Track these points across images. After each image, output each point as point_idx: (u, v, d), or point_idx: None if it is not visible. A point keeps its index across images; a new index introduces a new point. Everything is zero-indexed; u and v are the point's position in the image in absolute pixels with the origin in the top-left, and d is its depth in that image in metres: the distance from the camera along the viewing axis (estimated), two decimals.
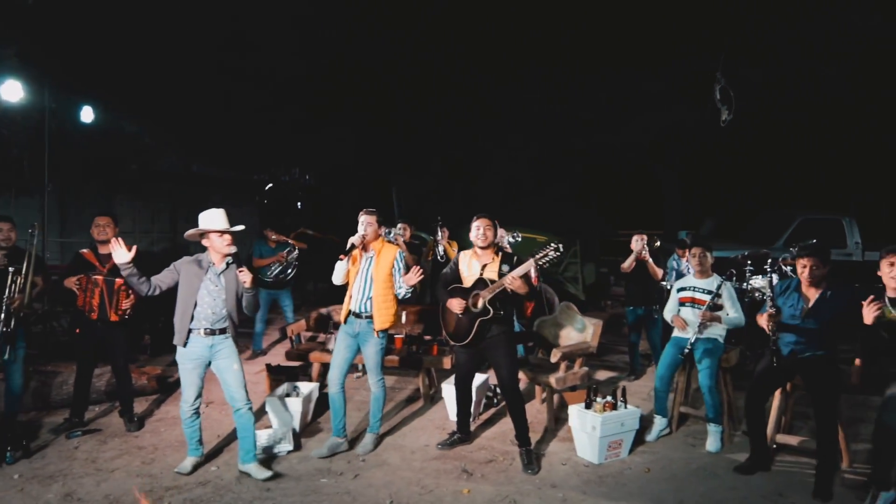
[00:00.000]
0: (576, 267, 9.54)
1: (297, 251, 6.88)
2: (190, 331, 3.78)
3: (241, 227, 3.90)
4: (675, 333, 4.64)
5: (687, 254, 7.93)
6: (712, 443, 4.34)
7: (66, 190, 11.16)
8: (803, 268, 3.76)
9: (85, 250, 4.75)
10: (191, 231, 3.89)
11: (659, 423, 4.56)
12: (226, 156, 12.19)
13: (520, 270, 3.86)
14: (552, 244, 3.84)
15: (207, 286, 3.78)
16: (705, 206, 11.10)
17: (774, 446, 4.11)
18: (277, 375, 5.64)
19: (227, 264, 3.83)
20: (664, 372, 4.53)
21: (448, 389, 4.85)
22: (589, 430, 4.08)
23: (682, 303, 4.63)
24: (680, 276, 8.04)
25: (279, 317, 8.02)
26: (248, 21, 11.02)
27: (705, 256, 4.52)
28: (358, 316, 4.21)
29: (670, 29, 8.79)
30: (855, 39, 8.42)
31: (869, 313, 3.25)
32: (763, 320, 3.88)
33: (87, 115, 7.15)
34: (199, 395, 3.87)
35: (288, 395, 4.80)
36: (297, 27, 11.27)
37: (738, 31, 8.57)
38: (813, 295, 3.80)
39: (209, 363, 3.84)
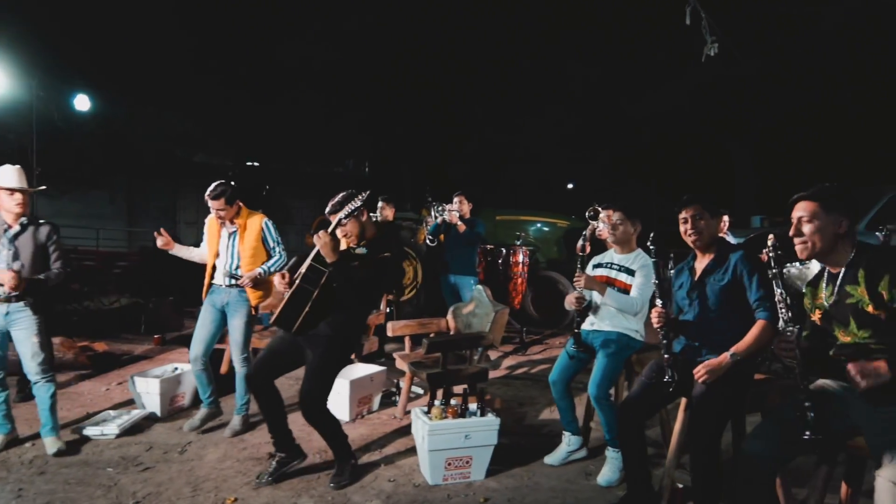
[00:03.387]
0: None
1: None
2: None
3: (40, 188, 3.66)
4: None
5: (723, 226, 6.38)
6: (605, 473, 3.20)
7: (132, 183, 12.13)
8: (683, 223, 2.71)
9: None
10: None
11: (567, 442, 3.43)
12: (277, 149, 12.48)
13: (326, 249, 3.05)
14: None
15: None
16: (790, 183, 8.95)
17: (680, 486, 2.90)
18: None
19: (23, 226, 3.54)
20: (556, 376, 3.44)
21: (339, 384, 4.18)
22: (420, 441, 3.20)
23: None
24: None
25: None
26: (288, 13, 11.13)
27: (624, 222, 3.38)
28: (230, 286, 3.94)
29: None
30: None
31: None
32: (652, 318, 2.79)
33: (82, 103, 7.42)
34: (1, 370, 3.61)
35: (158, 376, 4.48)
36: (334, 18, 11.16)
37: None
38: (702, 264, 2.67)
39: (7, 333, 3.57)
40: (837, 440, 2.12)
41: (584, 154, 10.34)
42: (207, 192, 3.88)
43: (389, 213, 6.40)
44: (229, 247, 3.99)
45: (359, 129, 12.71)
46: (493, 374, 4.90)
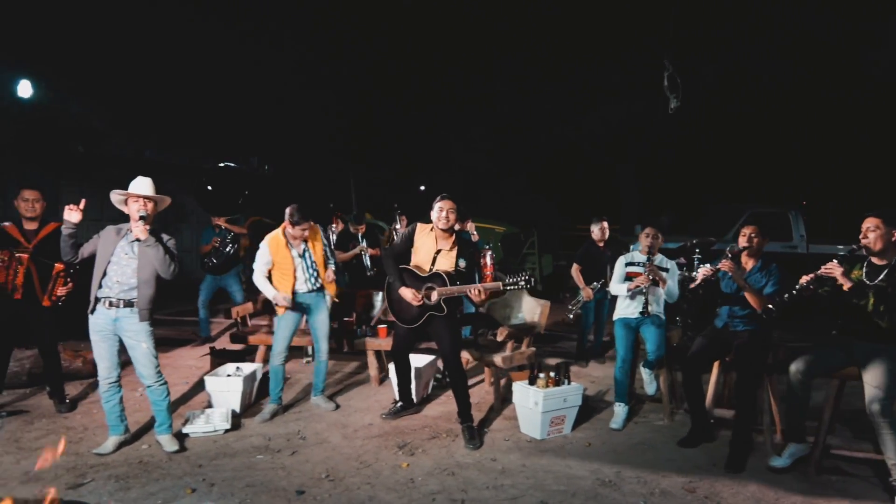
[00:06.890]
0: (534, 257, 9.60)
1: (230, 236, 6.77)
2: (98, 300, 3.65)
3: (167, 199, 3.82)
4: (618, 314, 4.63)
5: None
6: (648, 383, 4.56)
7: (4, 171, 10.69)
8: (743, 236, 3.91)
9: (7, 224, 4.42)
10: (113, 195, 3.73)
11: (623, 411, 4.38)
12: (180, 142, 11.85)
13: (489, 285, 3.91)
14: (524, 275, 3.81)
15: (119, 255, 3.65)
16: (663, 201, 11.29)
17: (712, 420, 4.17)
18: (221, 359, 5.51)
19: None
20: (626, 354, 4.40)
21: (393, 368, 4.80)
22: (531, 406, 4.07)
23: (629, 277, 4.64)
24: None
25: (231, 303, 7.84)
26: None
27: (657, 238, 4.55)
28: (310, 291, 4.50)
29: (626, 22, 8.92)
30: (801, 36, 8.71)
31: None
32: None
33: (24, 89, 6.77)
34: (116, 369, 3.71)
35: (229, 375, 4.69)
36: (261, 10, 11.03)
37: (692, 23, 8.74)
38: (749, 266, 3.93)
39: (119, 337, 3.70)
40: (841, 365, 3.50)
41: (505, 167, 11.68)
42: (293, 219, 4.29)
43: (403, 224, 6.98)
44: (308, 259, 4.51)
45: (268, 127, 12.61)
46: None
